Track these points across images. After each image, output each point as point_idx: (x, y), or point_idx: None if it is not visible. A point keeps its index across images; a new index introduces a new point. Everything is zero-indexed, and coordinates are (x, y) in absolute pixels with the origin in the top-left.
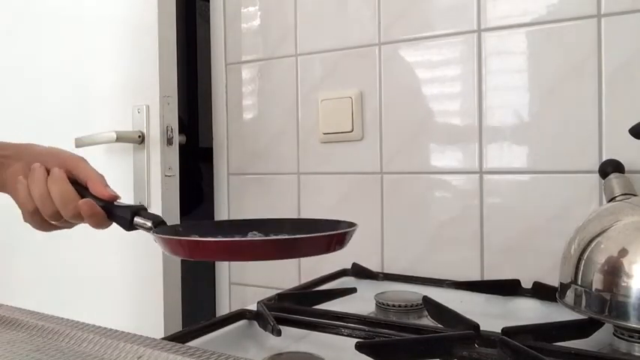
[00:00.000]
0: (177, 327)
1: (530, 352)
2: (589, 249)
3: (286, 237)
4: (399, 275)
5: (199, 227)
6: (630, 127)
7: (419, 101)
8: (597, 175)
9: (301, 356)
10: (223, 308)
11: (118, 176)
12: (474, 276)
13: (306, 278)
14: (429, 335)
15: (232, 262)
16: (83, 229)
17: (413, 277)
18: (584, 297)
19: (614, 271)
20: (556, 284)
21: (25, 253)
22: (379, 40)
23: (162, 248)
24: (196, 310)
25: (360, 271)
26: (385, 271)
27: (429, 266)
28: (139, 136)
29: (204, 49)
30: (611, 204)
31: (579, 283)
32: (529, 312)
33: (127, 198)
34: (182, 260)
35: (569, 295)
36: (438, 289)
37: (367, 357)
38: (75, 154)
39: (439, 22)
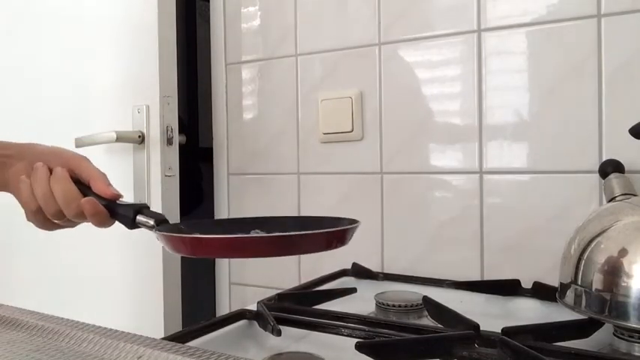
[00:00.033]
0: (177, 327)
1: (530, 352)
2: (589, 249)
3: (288, 234)
4: (399, 275)
5: (201, 225)
6: (630, 127)
7: (419, 101)
8: (597, 175)
9: (301, 356)
10: (223, 308)
11: (118, 176)
12: (474, 276)
13: (306, 278)
14: (429, 335)
15: (232, 262)
16: (83, 229)
17: (413, 277)
18: (584, 297)
19: (614, 271)
20: (556, 284)
21: (25, 253)
22: (379, 40)
23: (164, 246)
24: (196, 310)
25: (360, 271)
26: (385, 271)
27: (429, 266)
28: (139, 136)
29: (204, 49)
30: (611, 204)
31: (579, 283)
32: (529, 312)
33: (127, 198)
34: (182, 260)
35: (569, 295)
36: (438, 289)
37: (367, 357)
38: (77, 153)
39: (439, 22)
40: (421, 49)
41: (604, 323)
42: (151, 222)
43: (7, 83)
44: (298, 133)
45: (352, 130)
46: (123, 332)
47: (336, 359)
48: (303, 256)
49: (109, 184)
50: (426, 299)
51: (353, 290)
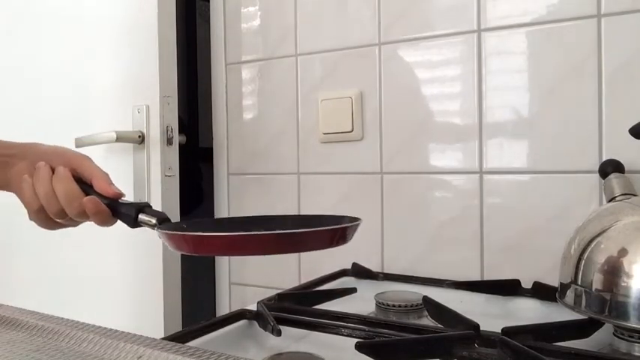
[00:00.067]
0: (177, 327)
1: (530, 352)
2: (589, 249)
3: (289, 231)
4: (399, 275)
5: (203, 224)
6: (630, 127)
7: (419, 101)
8: (597, 175)
9: (301, 356)
10: (223, 308)
11: (118, 176)
12: (474, 276)
13: (306, 278)
14: (429, 335)
15: (232, 262)
16: (83, 229)
17: (413, 277)
18: (584, 297)
19: (614, 271)
20: (556, 284)
21: (25, 253)
22: (379, 40)
23: (166, 244)
24: (196, 310)
25: (360, 271)
26: (385, 271)
27: (429, 266)
28: (139, 136)
29: (204, 49)
30: (611, 204)
31: (579, 283)
32: (529, 312)
33: (127, 198)
34: (182, 260)
35: (569, 295)
36: (438, 289)
37: (367, 357)
38: (79, 152)
39: (439, 22)
40: (421, 49)
41: (604, 323)
42: (153, 221)
43: (7, 83)
44: (298, 133)
45: (352, 130)
46: (123, 332)
47: (336, 359)
48: (303, 257)
49: (111, 183)
50: (426, 299)
51: (353, 290)
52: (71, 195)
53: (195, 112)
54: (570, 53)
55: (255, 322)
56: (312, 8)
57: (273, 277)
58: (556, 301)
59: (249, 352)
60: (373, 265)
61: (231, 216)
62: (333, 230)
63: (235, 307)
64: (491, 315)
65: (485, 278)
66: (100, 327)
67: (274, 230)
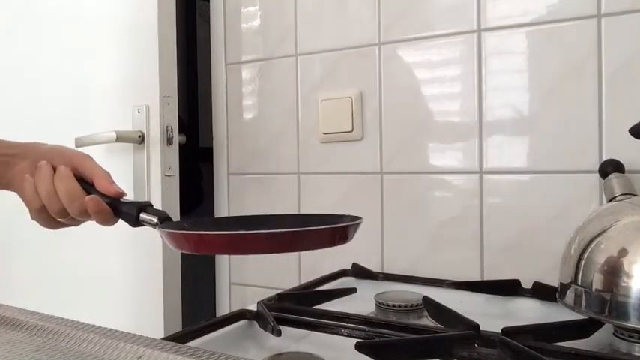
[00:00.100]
0: (177, 327)
1: (530, 352)
2: (589, 249)
3: (290, 230)
4: (399, 275)
5: (204, 223)
6: (630, 127)
7: (419, 101)
8: (597, 175)
9: (301, 356)
10: (223, 308)
11: (118, 176)
12: (474, 276)
13: (306, 278)
14: (429, 335)
15: (232, 263)
16: (83, 229)
17: (413, 277)
18: (584, 297)
19: (614, 271)
20: (556, 284)
21: (25, 253)
22: (379, 40)
23: (167, 243)
24: (196, 310)
25: (360, 271)
26: (385, 271)
27: (429, 266)
28: (139, 136)
29: (204, 49)
30: (611, 204)
31: (579, 283)
32: (529, 312)
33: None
34: (182, 260)
35: (569, 295)
36: (438, 289)
37: (367, 357)
38: (81, 152)
39: (439, 22)
40: (421, 49)
41: (604, 323)
42: (155, 220)
43: (7, 83)
44: (298, 133)
45: (352, 130)
46: (123, 332)
47: (336, 359)
48: (303, 257)
49: (113, 183)
50: (426, 299)
51: (353, 290)
52: (73, 194)
53: (195, 112)
54: (570, 53)
55: (255, 322)
56: (312, 8)
57: (273, 277)
58: (556, 301)
59: (249, 352)
60: (373, 265)
61: (231, 215)
62: (334, 229)
63: (235, 307)
64: (491, 315)
65: (486, 278)
66: (100, 327)
67: (275, 229)
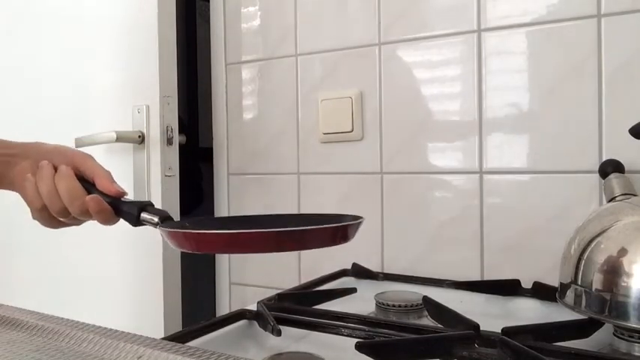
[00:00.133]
0: (177, 327)
1: (530, 352)
2: (589, 249)
3: (292, 228)
4: (399, 275)
5: (205, 223)
6: (630, 127)
7: (419, 101)
8: (597, 175)
9: (301, 356)
10: (223, 308)
11: (118, 176)
12: (474, 276)
13: (306, 278)
14: (429, 335)
15: (232, 263)
16: (83, 229)
17: (413, 277)
18: (584, 297)
19: (614, 271)
20: (556, 284)
21: (25, 253)
22: (379, 40)
23: (168, 242)
24: (196, 310)
25: (360, 271)
26: (385, 271)
27: (429, 266)
28: (139, 136)
29: (204, 49)
30: (611, 204)
31: (579, 283)
32: (529, 312)
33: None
34: (182, 260)
35: (569, 295)
36: (438, 289)
37: (367, 357)
38: (82, 151)
39: (439, 22)
40: (421, 49)
41: (604, 323)
42: (156, 219)
43: (7, 83)
44: (298, 133)
45: (352, 130)
46: (123, 332)
47: (336, 359)
48: (303, 257)
49: (114, 182)
50: (426, 299)
51: (353, 290)
52: (74, 193)
53: (195, 112)
54: (570, 53)
55: (255, 322)
56: (312, 8)
57: (273, 277)
58: (556, 301)
59: (249, 352)
60: (373, 265)
61: (232, 215)
62: (335, 228)
63: (235, 307)
64: (491, 315)
65: (486, 278)
66: (100, 327)
67: (276, 228)
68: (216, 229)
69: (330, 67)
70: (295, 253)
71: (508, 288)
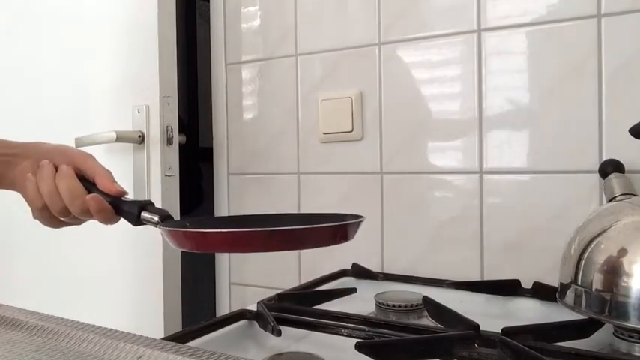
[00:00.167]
0: (177, 327)
1: (530, 352)
2: (589, 249)
3: (292, 227)
4: (399, 275)
5: (206, 222)
6: (630, 127)
7: (419, 101)
8: (597, 175)
9: (301, 356)
10: (223, 308)
11: (118, 176)
12: (474, 276)
13: (306, 278)
14: (429, 335)
15: (232, 262)
16: (83, 229)
17: (413, 277)
18: (584, 297)
19: (614, 271)
20: (556, 284)
21: (25, 253)
22: (379, 40)
23: (168, 242)
24: (196, 310)
25: (360, 271)
26: (385, 271)
27: (429, 266)
28: (139, 136)
29: (204, 49)
30: (611, 204)
31: (579, 283)
32: (529, 312)
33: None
34: (182, 260)
35: (569, 295)
36: (438, 289)
37: (367, 357)
38: (83, 151)
39: (439, 22)
40: (421, 49)
41: (604, 323)
42: (156, 218)
43: (7, 83)
44: (298, 133)
45: (352, 130)
46: (123, 332)
47: (336, 359)
48: (303, 257)
49: (114, 181)
50: (426, 299)
51: (353, 290)
52: (74, 193)
53: (195, 112)
54: (570, 53)
55: (255, 322)
56: (312, 8)
57: (273, 277)
58: (556, 301)
59: (249, 352)
60: (373, 265)
61: (232, 215)
62: (336, 227)
63: (235, 307)
64: (491, 315)
65: (486, 278)
66: (100, 327)
67: (276, 227)
68: (216, 228)
69: (330, 67)
70: (295, 253)
71: (508, 288)
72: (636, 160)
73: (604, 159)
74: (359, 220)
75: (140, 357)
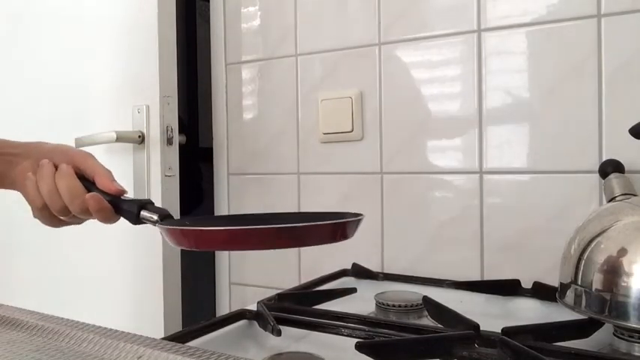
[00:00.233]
0: (177, 327)
1: (530, 352)
2: (589, 249)
3: (291, 225)
4: (399, 275)
5: (206, 221)
6: (630, 127)
7: (419, 101)
8: (597, 175)
9: (301, 356)
10: (223, 308)
11: (118, 176)
12: (474, 276)
13: (306, 278)
14: (429, 335)
15: (232, 262)
16: (83, 229)
17: (413, 277)
18: (584, 297)
19: (614, 271)
20: (556, 284)
21: (25, 253)
22: (379, 40)
23: (167, 240)
24: (196, 310)
25: (360, 271)
26: (385, 271)
27: (429, 266)
28: (139, 136)
29: (204, 49)
30: (611, 204)
31: (579, 283)
32: (529, 312)
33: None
34: (182, 260)
35: (569, 295)
36: (438, 289)
37: (367, 357)
38: (83, 150)
39: (439, 22)
40: (421, 49)
41: (604, 323)
42: (155, 217)
43: (7, 83)
44: (298, 133)
45: (352, 130)
46: (123, 332)
47: (336, 359)
48: (303, 256)
49: (114, 180)
50: (426, 299)
51: (353, 290)
52: (74, 192)
53: (195, 112)
54: (570, 53)
55: (255, 322)
56: (312, 8)
57: (273, 277)
58: (556, 301)
59: (249, 352)
60: (373, 265)
61: (232, 214)
62: (335, 225)
63: (235, 307)
64: (491, 315)
65: (486, 278)
66: (100, 327)
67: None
68: (215, 226)
69: (330, 67)
70: (295, 252)
71: (508, 288)
72: (636, 160)
73: (604, 159)
74: (358, 218)
75: (140, 357)
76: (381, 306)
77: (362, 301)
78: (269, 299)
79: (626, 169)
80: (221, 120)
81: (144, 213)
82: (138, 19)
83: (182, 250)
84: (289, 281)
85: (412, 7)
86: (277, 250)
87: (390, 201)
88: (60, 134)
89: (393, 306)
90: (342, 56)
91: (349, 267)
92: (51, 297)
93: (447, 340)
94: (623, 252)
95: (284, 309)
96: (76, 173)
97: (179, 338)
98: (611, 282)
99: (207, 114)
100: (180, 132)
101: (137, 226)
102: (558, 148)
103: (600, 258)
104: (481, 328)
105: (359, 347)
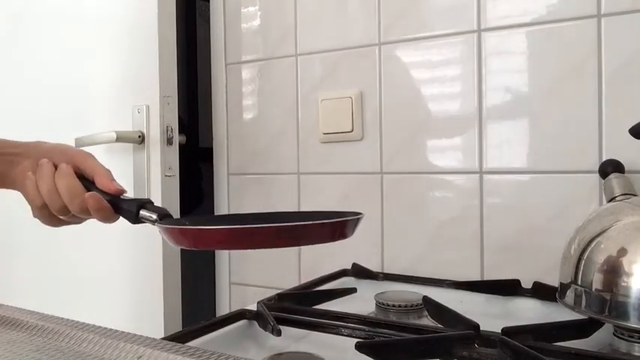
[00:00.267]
0: (177, 327)
1: (530, 352)
2: (589, 249)
3: (291, 223)
4: (399, 275)
5: (205, 221)
6: (630, 127)
7: (419, 101)
8: (597, 175)
9: (301, 356)
10: (223, 308)
11: (118, 176)
12: (474, 276)
13: (306, 278)
14: (429, 335)
15: (232, 262)
16: (83, 228)
17: (413, 277)
18: (584, 297)
19: (614, 271)
20: (556, 284)
21: (25, 253)
22: (379, 40)
23: (166, 239)
24: (196, 310)
25: (360, 271)
26: (385, 271)
27: (429, 266)
28: (139, 136)
29: (204, 49)
30: (611, 204)
31: (579, 283)
32: (529, 312)
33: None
34: (182, 260)
35: (569, 295)
36: (438, 289)
37: (367, 357)
38: (83, 150)
39: (439, 22)
40: (421, 49)
41: (604, 323)
42: (154, 216)
43: (7, 83)
44: (298, 133)
45: (352, 130)
46: (123, 332)
47: (336, 359)
48: (303, 256)
49: (113, 180)
50: (426, 299)
51: (353, 290)
52: (73, 191)
53: (195, 112)
54: (570, 53)
55: (255, 322)
56: (312, 8)
57: (273, 277)
58: (556, 301)
59: (249, 352)
60: (373, 265)
61: (232, 213)
62: (335, 223)
63: (235, 307)
64: (491, 315)
65: (486, 278)
66: (100, 327)
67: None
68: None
69: (330, 67)
70: (295, 252)
71: (508, 288)
72: (636, 160)
73: (604, 159)
74: (357, 216)
75: (140, 357)
76: (381, 306)
77: (362, 301)
78: (269, 299)
79: (626, 169)
80: (221, 120)
81: (143, 212)
82: (138, 19)
83: (182, 250)
84: (289, 281)
85: (412, 7)
86: (277, 250)
87: (390, 201)
88: (60, 134)
89: (393, 306)
90: (342, 56)
91: (349, 267)
92: (51, 297)
93: (447, 340)
94: (623, 252)
95: (284, 309)
96: (76, 173)
97: (179, 338)
98: (611, 282)
99: (207, 114)
100: (180, 132)
101: (137, 225)
102: (558, 148)
103: (600, 258)
104: (481, 328)
105: (359, 347)
